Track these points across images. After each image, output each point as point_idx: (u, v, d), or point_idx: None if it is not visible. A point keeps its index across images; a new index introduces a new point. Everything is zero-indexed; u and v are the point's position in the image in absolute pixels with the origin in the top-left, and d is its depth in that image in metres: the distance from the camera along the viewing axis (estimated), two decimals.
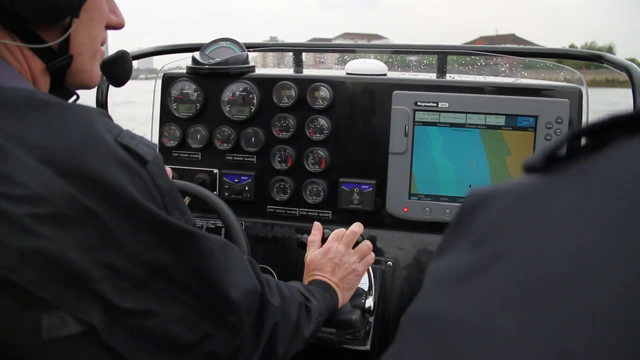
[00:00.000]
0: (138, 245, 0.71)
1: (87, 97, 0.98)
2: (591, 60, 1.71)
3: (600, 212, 0.27)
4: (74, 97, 0.93)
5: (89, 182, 0.67)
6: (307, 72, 1.84)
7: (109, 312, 0.69)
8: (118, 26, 0.93)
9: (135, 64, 1.39)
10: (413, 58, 1.97)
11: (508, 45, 1.69)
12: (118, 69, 1.01)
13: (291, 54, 1.92)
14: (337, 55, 2.06)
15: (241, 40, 1.77)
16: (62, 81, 0.88)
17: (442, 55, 1.81)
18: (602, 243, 0.26)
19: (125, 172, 0.71)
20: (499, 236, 0.31)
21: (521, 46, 1.68)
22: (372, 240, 1.60)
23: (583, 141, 0.33)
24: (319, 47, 1.97)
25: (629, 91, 1.47)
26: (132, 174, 0.72)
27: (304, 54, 1.91)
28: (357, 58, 1.77)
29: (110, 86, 1.81)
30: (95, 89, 1.78)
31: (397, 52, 1.92)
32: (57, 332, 0.66)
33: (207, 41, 1.77)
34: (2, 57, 0.78)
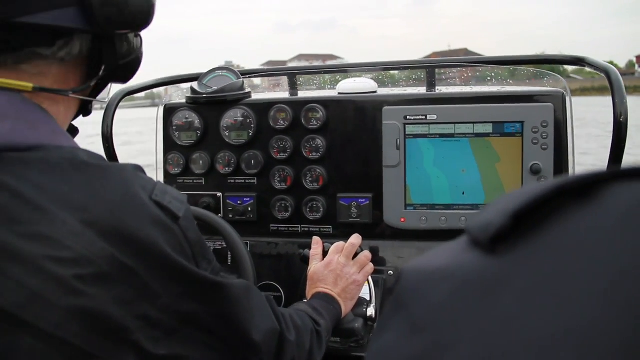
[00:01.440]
0: (170, 296, 0.77)
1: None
2: (573, 64, 1.77)
3: (560, 301, 0.25)
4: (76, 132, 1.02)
5: (126, 240, 0.73)
6: (301, 94, 1.91)
7: (142, 359, 0.75)
8: None
9: None
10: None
11: (492, 56, 1.75)
12: None
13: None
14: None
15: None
16: None
17: (430, 70, 1.88)
18: (565, 339, 0.23)
19: (159, 229, 0.77)
20: (443, 325, 0.29)
21: (504, 55, 1.73)
22: (373, 251, 1.66)
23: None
24: (310, 69, 2.05)
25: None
26: (165, 230, 0.78)
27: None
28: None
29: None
30: (101, 123, 1.86)
31: (387, 69, 1.99)
32: None
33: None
34: (47, 113, 0.82)
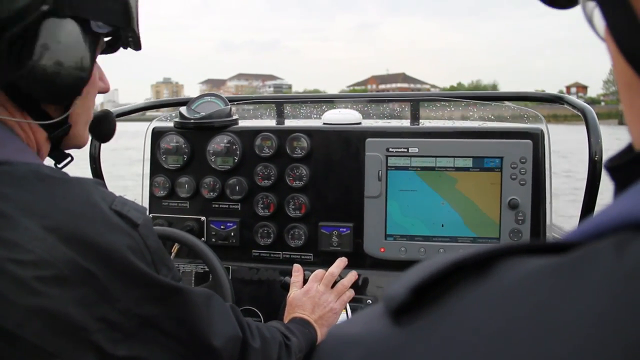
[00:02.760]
0: (130, 300, 0.80)
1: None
2: (552, 102, 1.83)
3: None
4: (68, 158, 1.04)
5: (87, 246, 0.77)
6: (287, 122, 1.95)
7: (102, 359, 0.78)
8: (105, 91, 1.04)
9: None
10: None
11: (475, 92, 1.82)
12: (103, 128, 1.12)
13: None
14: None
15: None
16: (59, 145, 0.99)
17: (414, 103, 1.93)
18: None
19: (119, 236, 0.81)
20: None
21: (486, 92, 1.80)
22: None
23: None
24: (297, 98, 2.09)
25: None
26: (125, 236, 0.82)
27: None
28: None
29: None
30: (88, 144, 1.88)
31: (372, 101, 2.04)
32: None
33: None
34: (13, 132, 0.88)
